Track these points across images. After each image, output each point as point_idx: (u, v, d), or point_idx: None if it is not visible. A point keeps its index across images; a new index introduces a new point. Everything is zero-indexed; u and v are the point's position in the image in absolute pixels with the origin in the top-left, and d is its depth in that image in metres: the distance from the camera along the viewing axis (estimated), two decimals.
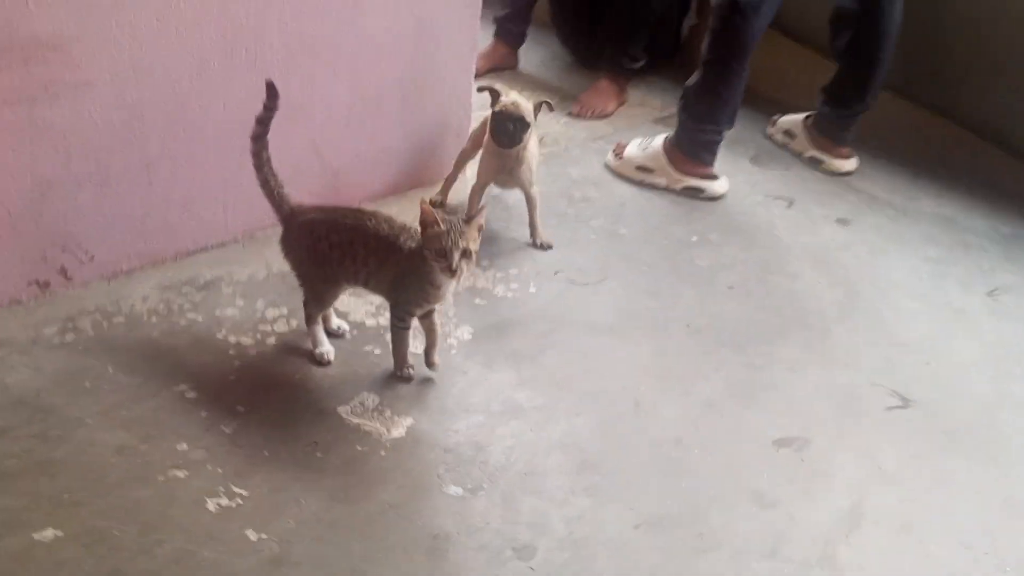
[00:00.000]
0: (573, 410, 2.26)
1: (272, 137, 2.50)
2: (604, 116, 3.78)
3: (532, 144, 2.78)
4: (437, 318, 2.27)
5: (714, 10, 3.10)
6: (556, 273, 2.76)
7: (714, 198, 3.26)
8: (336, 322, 2.39)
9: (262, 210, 2.49)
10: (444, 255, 2.04)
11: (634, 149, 3.34)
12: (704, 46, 3.13)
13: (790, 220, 3.20)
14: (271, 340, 2.34)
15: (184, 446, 2.00)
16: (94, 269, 2.44)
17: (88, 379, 2.14)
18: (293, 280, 2.29)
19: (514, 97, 2.71)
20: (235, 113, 2.49)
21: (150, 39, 2.27)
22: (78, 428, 2.01)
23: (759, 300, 2.76)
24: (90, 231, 2.39)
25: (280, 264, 2.33)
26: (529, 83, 3.94)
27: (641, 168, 3.29)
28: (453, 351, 2.40)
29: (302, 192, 2.72)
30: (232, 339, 2.32)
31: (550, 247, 2.86)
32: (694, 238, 3.02)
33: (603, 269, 2.80)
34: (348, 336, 2.39)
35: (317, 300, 2.24)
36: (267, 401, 2.16)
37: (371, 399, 2.21)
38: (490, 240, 2.84)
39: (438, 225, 2.05)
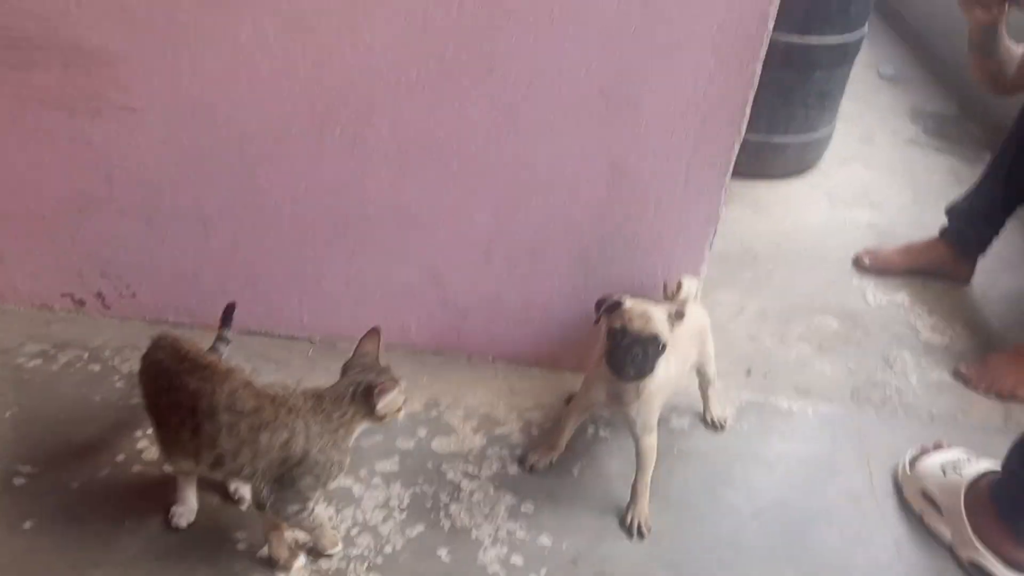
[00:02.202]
0: None
1: (382, 241, 2.09)
2: (1004, 397, 2.44)
3: (660, 373, 1.83)
4: None
5: None
6: None
7: None
8: (236, 483, 1.82)
9: (348, 319, 2.04)
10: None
11: (936, 463, 2.06)
12: None
13: None
14: None
15: None
16: (136, 307, 2.22)
17: None
18: None
19: (642, 307, 1.78)
20: (319, 198, 2.06)
21: (215, 81, 1.91)
22: None
23: None
24: (134, 266, 2.17)
25: None
26: (963, 311, 2.74)
27: (927, 497, 2.02)
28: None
29: (411, 320, 2.19)
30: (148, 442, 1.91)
31: (642, 534, 1.88)
32: None
33: None
34: (244, 507, 1.81)
35: (168, 460, 1.71)
36: (65, 530, 1.71)
37: None
38: (555, 483, 1.96)
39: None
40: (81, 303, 2.20)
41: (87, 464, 1.84)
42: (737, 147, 1.99)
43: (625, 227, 2.09)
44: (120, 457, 1.87)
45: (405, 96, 1.92)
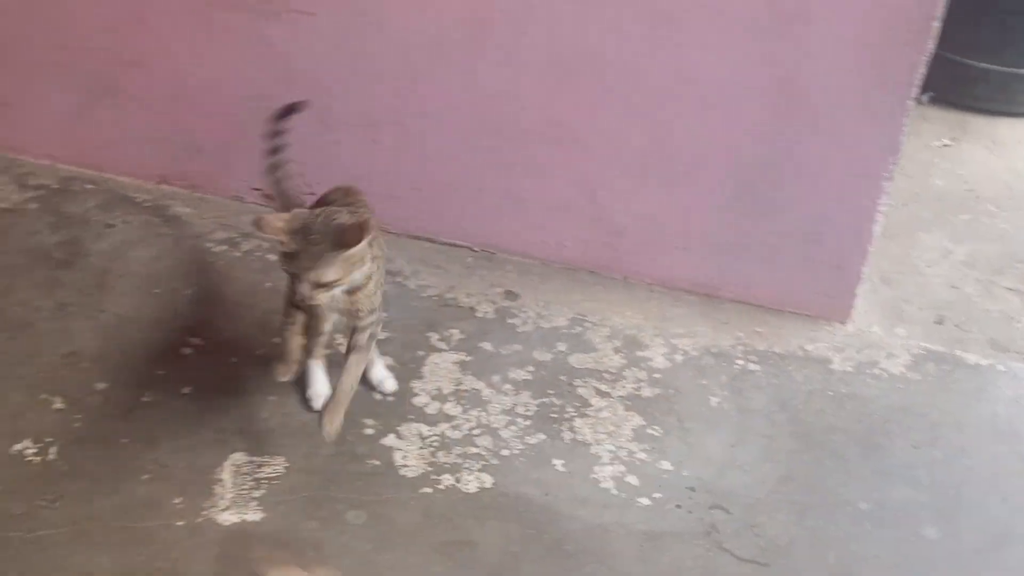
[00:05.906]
0: None
1: (537, 154, 2.10)
2: None
3: None
4: (354, 357, 1.70)
5: None
6: None
7: None
8: (380, 375, 1.91)
9: (507, 231, 2.21)
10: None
11: None
12: None
13: None
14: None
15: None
16: None
17: (159, 287, 2.13)
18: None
19: None
20: (477, 108, 2.10)
21: None
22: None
23: None
24: (313, 166, 2.25)
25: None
26: None
27: None
28: None
29: (567, 236, 2.19)
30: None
31: None
32: None
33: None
34: (390, 398, 1.90)
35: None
36: (216, 398, 1.88)
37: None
38: (688, 410, 1.90)
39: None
40: (269, 197, 2.36)
41: (248, 342, 1.99)
42: (922, 67, 1.80)
43: (791, 152, 1.96)
44: (277, 340, 2.00)
45: (560, 3, 1.88)
